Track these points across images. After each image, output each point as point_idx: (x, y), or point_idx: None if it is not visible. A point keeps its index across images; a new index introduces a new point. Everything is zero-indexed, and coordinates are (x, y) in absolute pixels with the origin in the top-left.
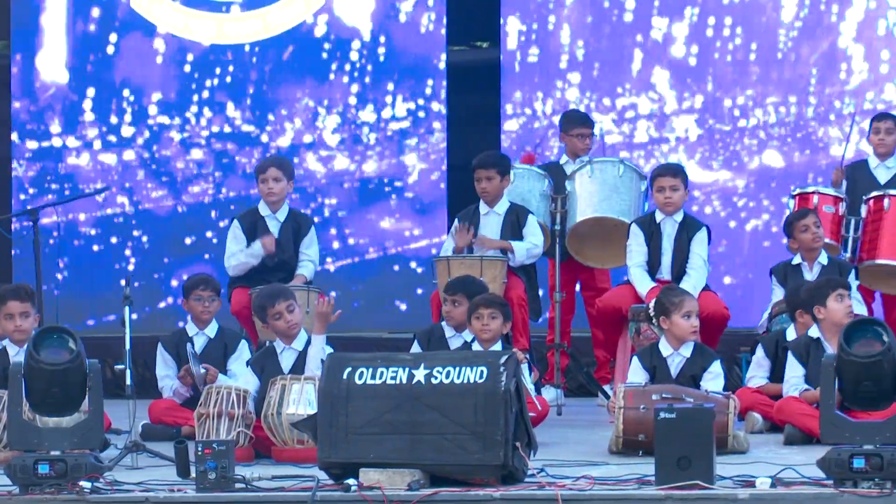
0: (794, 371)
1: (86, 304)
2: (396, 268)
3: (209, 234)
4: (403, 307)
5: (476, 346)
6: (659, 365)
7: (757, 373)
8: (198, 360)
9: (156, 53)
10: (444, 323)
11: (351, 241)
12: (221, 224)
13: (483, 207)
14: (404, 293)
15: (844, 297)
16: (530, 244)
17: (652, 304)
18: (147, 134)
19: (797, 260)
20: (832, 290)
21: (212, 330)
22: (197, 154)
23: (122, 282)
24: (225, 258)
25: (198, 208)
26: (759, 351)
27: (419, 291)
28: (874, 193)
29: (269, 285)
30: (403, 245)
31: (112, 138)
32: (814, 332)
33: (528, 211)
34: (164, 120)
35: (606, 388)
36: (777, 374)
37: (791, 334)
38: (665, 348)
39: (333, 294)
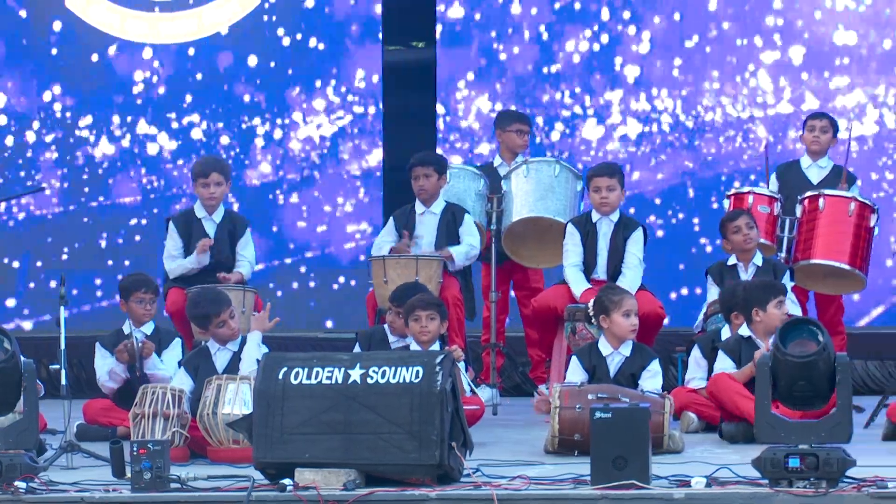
0: (724, 364)
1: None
2: (332, 267)
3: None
4: (336, 307)
5: (414, 347)
6: (598, 364)
7: (696, 374)
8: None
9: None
10: (386, 326)
11: (288, 239)
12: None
13: (419, 207)
14: (340, 292)
15: (783, 304)
16: (468, 246)
17: (591, 304)
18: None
19: (732, 261)
20: (774, 297)
21: (148, 328)
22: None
23: (54, 283)
24: (164, 258)
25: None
26: (696, 352)
27: (355, 291)
28: (809, 193)
29: (204, 290)
30: (340, 244)
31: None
32: (744, 331)
33: (464, 210)
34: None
35: (542, 387)
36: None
37: (726, 335)
38: (604, 347)
39: (269, 304)
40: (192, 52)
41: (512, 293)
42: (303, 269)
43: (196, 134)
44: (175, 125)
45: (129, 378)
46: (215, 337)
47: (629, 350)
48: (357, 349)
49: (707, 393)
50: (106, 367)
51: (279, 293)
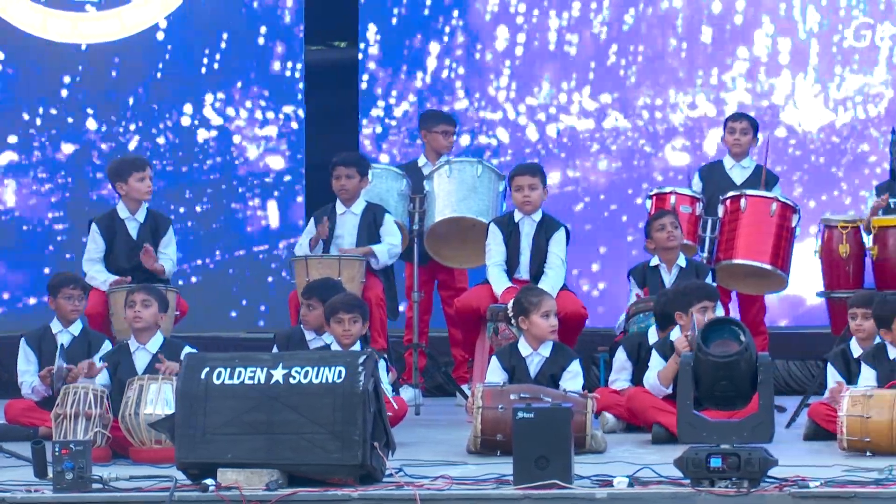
0: (657, 364)
1: None
2: (254, 267)
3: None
4: (262, 307)
5: (335, 348)
6: (518, 365)
7: (619, 375)
8: (64, 360)
9: None
10: (303, 325)
11: (210, 239)
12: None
13: (340, 207)
14: (263, 293)
15: (708, 309)
16: (389, 244)
17: (511, 305)
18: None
19: (655, 262)
20: (697, 301)
21: (76, 328)
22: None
23: None
24: (83, 261)
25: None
26: (622, 354)
27: (277, 291)
28: (731, 193)
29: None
30: (261, 243)
31: None
32: (675, 334)
33: (384, 210)
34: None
35: (465, 387)
36: (639, 377)
37: (653, 336)
38: (524, 348)
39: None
40: (114, 51)
41: (435, 293)
42: (226, 269)
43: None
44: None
45: (51, 396)
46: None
47: (549, 351)
48: (275, 350)
49: (625, 408)
50: (29, 379)
51: (204, 292)
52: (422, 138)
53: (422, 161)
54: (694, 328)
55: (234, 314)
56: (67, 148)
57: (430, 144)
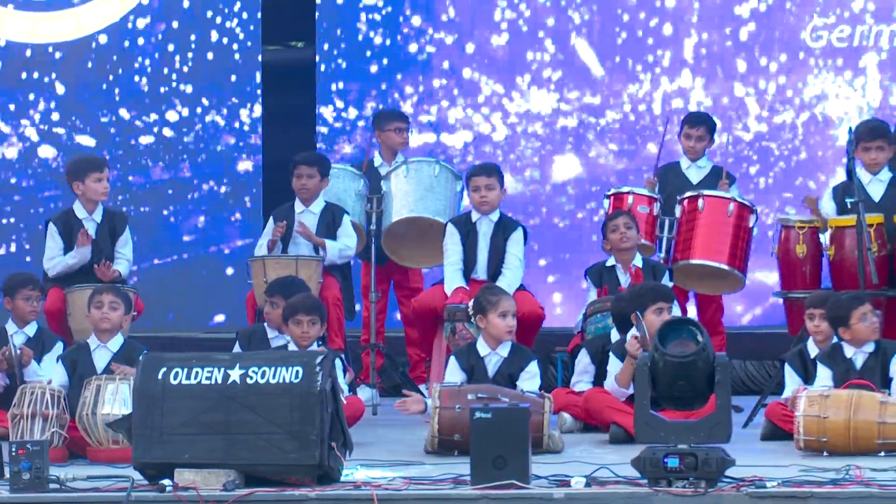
0: (615, 367)
1: None
2: (212, 266)
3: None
4: (219, 307)
5: (292, 348)
6: (476, 364)
7: (582, 378)
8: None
9: None
10: (266, 323)
11: (168, 238)
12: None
13: (298, 206)
14: (220, 292)
15: (664, 311)
16: (343, 245)
17: (470, 304)
18: None
19: (611, 262)
20: (653, 303)
21: (31, 329)
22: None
23: None
24: (44, 260)
25: None
26: (585, 357)
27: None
28: (689, 194)
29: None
30: (219, 244)
31: None
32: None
33: (343, 211)
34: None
35: (422, 387)
36: (602, 380)
37: (615, 337)
38: (482, 348)
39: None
40: (71, 50)
41: (392, 293)
42: (184, 268)
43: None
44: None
45: (9, 385)
46: (90, 320)
47: (507, 351)
48: (237, 348)
49: (582, 408)
50: None
51: (161, 292)
52: (376, 138)
53: (377, 161)
54: (642, 329)
55: (191, 313)
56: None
57: (385, 143)
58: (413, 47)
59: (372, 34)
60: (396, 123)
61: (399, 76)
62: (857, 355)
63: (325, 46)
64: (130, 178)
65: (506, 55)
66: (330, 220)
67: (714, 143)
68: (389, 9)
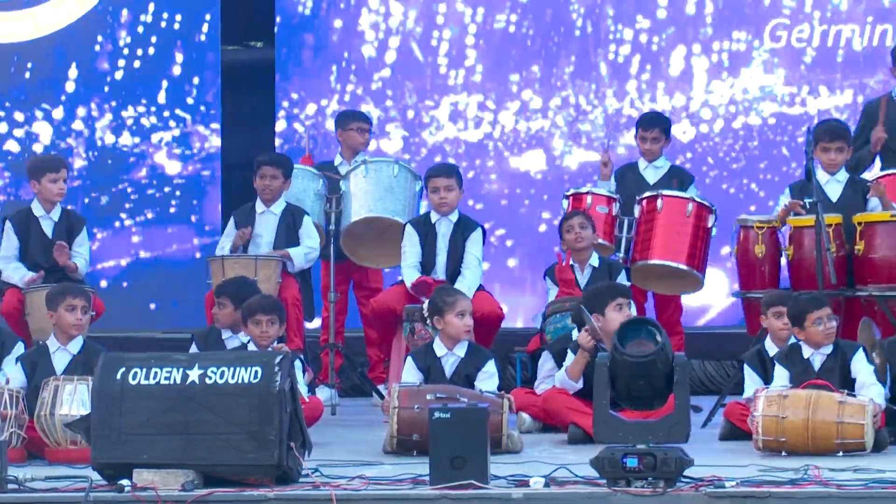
0: (570, 363)
1: None
2: (172, 266)
3: None
4: (179, 307)
5: (251, 347)
6: (433, 365)
7: (545, 381)
8: None
9: None
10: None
11: (129, 238)
12: None
13: (259, 206)
14: (180, 292)
15: (624, 306)
16: (307, 248)
17: (426, 305)
18: None
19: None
20: (611, 300)
21: None
22: None
23: None
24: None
25: None
26: (549, 361)
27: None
28: (647, 194)
29: (65, 283)
30: (180, 243)
31: None
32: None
33: (304, 212)
34: None
35: (381, 387)
36: None
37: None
38: (439, 348)
39: None
40: (26, 50)
41: (351, 293)
42: (144, 269)
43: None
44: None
45: None
46: (60, 324)
47: (464, 351)
48: (194, 349)
49: (541, 408)
50: None
51: (121, 292)
52: (337, 137)
53: (338, 160)
54: (592, 323)
55: (150, 314)
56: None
57: (346, 143)
58: (370, 48)
59: (331, 34)
60: (359, 123)
61: (358, 76)
62: (816, 356)
63: (284, 46)
64: (89, 177)
65: (462, 56)
66: (290, 221)
67: (670, 142)
68: (344, 6)
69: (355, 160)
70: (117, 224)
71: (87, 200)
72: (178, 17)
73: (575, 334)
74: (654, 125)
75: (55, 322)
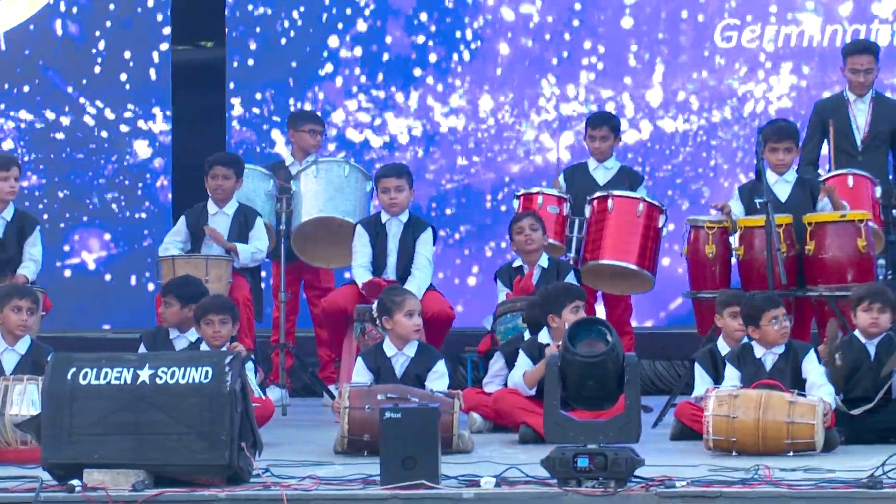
0: (523, 364)
1: None
2: (123, 265)
3: None
4: (129, 306)
5: (203, 347)
6: (383, 365)
7: (494, 380)
8: None
9: None
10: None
11: (80, 237)
12: None
13: (212, 207)
14: (129, 291)
15: (580, 309)
16: (255, 248)
17: (375, 305)
18: None
19: (518, 262)
20: (569, 302)
21: None
22: None
23: None
24: None
25: None
26: (500, 360)
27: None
28: (598, 194)
29: (13, 284)
30: (130, 243)
31: None
32: (543, 337)
33: (256, 213)
34: None
35: (332, 387)
36: None
37: (528, 338)
38: (389, 348)
39: None
40: None
41: (302, 293)
42: (94, 268)
43: None
44: None
45: None
46: (5, 323)
47: (414, 351)
48: (142, 349)
49: (492, 408)
50: None
51: (70, 291)
52: (289, 138)
53: (289, 161)
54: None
55: (100, 313)
56: None
57: (298, 143)
58: (324, 49)
59: (283, 34)
60: (310, 125)
61: (310, 77)
62: (767, 356)
63: (236, 46)
64: (43, 180)
65: (415, 56)
66: (242, 222)
67: (620, 141)
68: (302, 9)
69: (306, 160)
70: (67, 221)
71: (34, 197)
72: (130, 17)
73: (526, 335)
74: (603, 123)
75: (1, 322)
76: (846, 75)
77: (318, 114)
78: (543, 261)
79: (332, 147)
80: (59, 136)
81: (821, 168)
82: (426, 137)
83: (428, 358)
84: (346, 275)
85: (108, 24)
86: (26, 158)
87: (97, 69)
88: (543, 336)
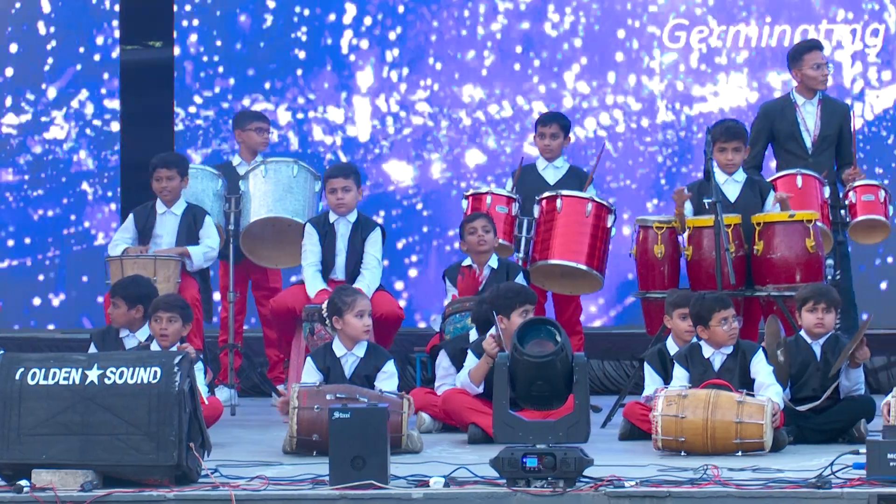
0: (471, 363)
1: None
2: (71, 265)
3: None
4: (78, 306)
5: (155, 346)
6: (332, 365)
7: (445, 381)
8: None
9: None
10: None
11: (27, 237)
12: None
13: (160, 207)
14: (79, 291)
15: (529, 313)
16: (206, 248)
17: (325, 305)
18: None
19: (468, 262)
20: (519, 305)
21: None
22: None
23: None
24: None
25: None
26: (445, 359)
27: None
28: (547, 194)
29: None
30: (78, 243)
31: None
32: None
33: (205, 212)
34: None
35: (280, 387)
36: None
37: (475, 338)
38: (338, 348)
39: None
40: None
41: (250, 293)
42: (42, 267)
43: None
44: None
45: None
46: None
47: (363, 351)
48: (92, 349)
49: (441, 408)
50: None
51: (19, 290)
52: (236, 138)
53: (236, 161)
54: (497, 328)
55: (48, 313)
56: None
57: (245, 143)
58: (274, 50)
59: (231, 34)
60: (257, 123)
61: (260, 77)
62: (716, 356)
63: (184, 46)
64: None
65: (361, 54)
66: (191, 221)
67: (570, 140)
68: (245, 6)
69: (255, 160)
70: (15, 221)
71: None
72: (78, 17)
73: (473, 335)
74: (553, 121)
75: None
76: (800, 75)
77: (265, 113)
78: (493, 261)
79: (282, 147)
80: (6, 130)
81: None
82: (375, 138)
83: (377, 358)
84: (293, 278)
85: (58, 23)
86: None
87: (47, 67)
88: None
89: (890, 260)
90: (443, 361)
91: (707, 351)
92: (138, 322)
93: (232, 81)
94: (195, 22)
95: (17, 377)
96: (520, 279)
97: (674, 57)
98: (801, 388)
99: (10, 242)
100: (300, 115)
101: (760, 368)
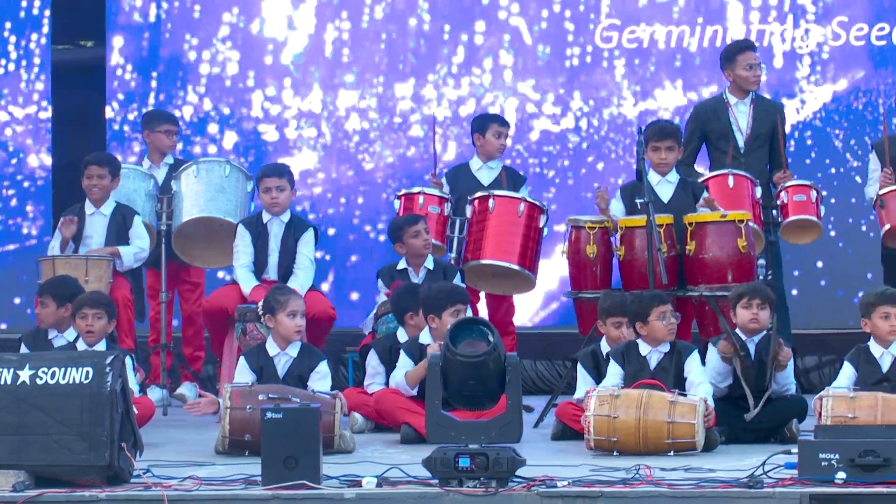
0: (405, 364)
1: None
2: (2, 267)
3: None
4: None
5: (81, 345)
6: (266, 365)
7: (374, 380)
8: None
9: None
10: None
11: None
12: None
13: (89, 207)
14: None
15: (461, 313)
16: (137, 248)
17: (260, 304)
18: None
19: (402, 264)
20: (451, 305)
21: None
22: None
23: None
24: None
25: None
26: (374, 358)
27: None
28: (479, 194)
29: None
30: (9, 243)
31: None
32: (425, 337)
33: (134, 212)
34: None
35: (187, 384)
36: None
37: (402, 337)
38: (272, 348)
39: None
40: None
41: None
42: None
43: None
44: None
45: None
46: None
47: (296, 351)
48: (23, 350)
49: (373, 408)
50: None
51: None
52: (145, 139)
53: (146, 164)
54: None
55: None
56: None
57: (154, 145)
58: (202, 51)
59: (163, 34)
60: (166, 125)
61: (188, 77)
62: (652, 354)
63: (115, 46)
64: None
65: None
66: (121, 221)
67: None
68: (177, 7)
69: (165, 162)
70: None
71: None
72: (8, 16)
73: (402, 334)
74: (669, 136)
75: None
76: (733, 76)
77: (176, 113)
78: (429, 262)
79: (212, 149)
80: None
81: (702, 167)
82: (305, 137)
83: (310, 358)
84: (221, 273)
85: None
86: None
87: None
88: (425, 336)
89: (820, 265)
90: (372, 360)
91: (644, 349)
92: (67, 321)
93: (162, 82)
94: (127, 21)
95: None
96: (457, 280)
97: (606, 58)
98: (736, 387)
99: None
100: (234, 114)
101: (693, 368)
